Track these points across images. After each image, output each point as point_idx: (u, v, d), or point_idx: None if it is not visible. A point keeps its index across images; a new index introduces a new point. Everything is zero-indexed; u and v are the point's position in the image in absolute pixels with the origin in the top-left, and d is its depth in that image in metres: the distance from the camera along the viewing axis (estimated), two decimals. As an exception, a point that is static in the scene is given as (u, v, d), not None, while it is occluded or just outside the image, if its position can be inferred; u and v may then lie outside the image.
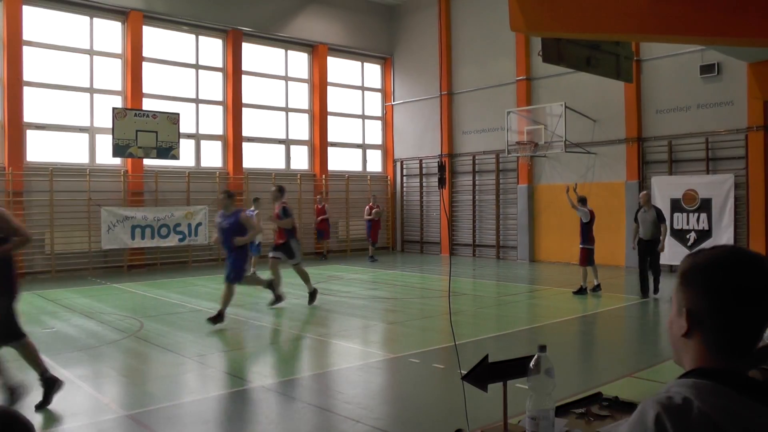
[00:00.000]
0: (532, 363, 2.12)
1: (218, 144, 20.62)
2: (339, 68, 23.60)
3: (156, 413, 5.94)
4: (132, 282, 15.52)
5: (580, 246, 12.78)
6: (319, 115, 22.55)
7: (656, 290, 12.30)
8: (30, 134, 17.02)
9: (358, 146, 24.26)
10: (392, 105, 24.64)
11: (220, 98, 20.60)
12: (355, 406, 6.07)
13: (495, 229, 21.11)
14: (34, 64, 17.05)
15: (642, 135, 17.44)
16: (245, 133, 20.81)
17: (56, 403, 6.21)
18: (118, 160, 18.18)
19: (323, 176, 22.43)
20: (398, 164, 24.40)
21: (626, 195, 17.39)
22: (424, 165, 23.40)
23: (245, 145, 20.80)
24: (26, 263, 16.41)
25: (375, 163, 24.82)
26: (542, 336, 9.36)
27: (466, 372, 2.38)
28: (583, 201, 12.88)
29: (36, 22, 17.15)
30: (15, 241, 5.82)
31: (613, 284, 14.05)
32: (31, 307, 12.08)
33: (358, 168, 24.24)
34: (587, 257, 12.66)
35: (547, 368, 2.10)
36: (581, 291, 12.64)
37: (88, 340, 9.10)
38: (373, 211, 20.65)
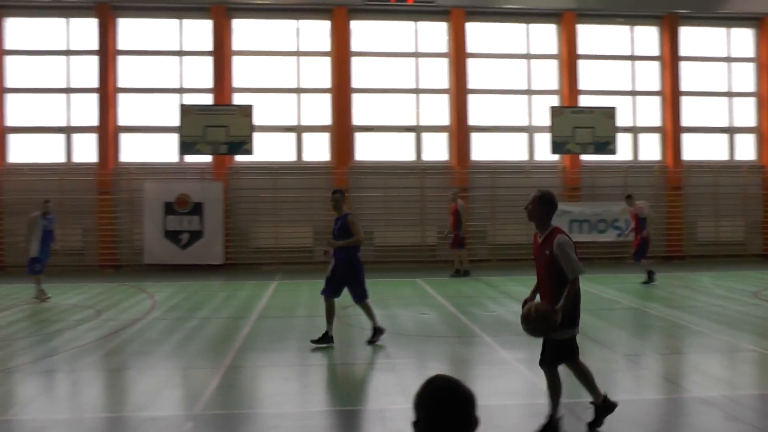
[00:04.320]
0: None
1: (656, 136, 19.76)
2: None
3: (583, 405, 5.98)
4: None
5: None
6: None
7: None
8: (474, 136, 18.98)
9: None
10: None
11: (657, 88, 19.69)
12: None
13: None
14: (477, 73, 18.97)
15: None
16: (684, 123, 19.47)
17: (495, 383, 6.74)
18: (555, 157, 18.88)
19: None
20: (775, 150, 19.81)
21: None
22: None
23: (684, 136, 19.48)
24: (471, 253, 18.12)
25: (746, 150, 20.30)
26: None
27: None
28: None
29: (478, 35, 19.01)
30: None
31: None
32: (475, 291, 13.50)
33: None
34: None
35: None
36: None
37: (525, 327, 9.63)
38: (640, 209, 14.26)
